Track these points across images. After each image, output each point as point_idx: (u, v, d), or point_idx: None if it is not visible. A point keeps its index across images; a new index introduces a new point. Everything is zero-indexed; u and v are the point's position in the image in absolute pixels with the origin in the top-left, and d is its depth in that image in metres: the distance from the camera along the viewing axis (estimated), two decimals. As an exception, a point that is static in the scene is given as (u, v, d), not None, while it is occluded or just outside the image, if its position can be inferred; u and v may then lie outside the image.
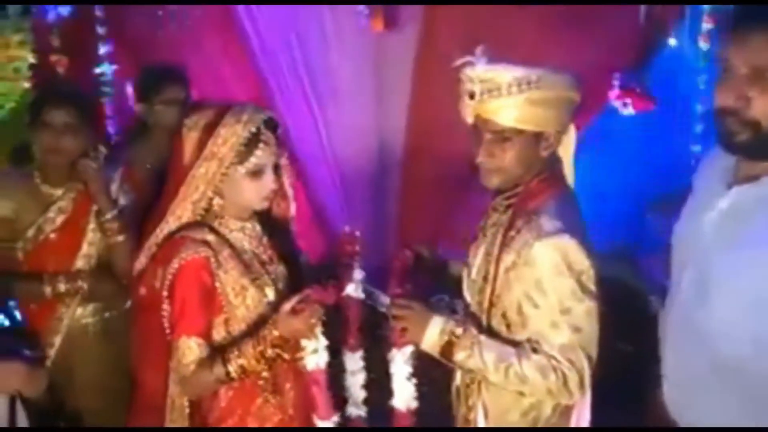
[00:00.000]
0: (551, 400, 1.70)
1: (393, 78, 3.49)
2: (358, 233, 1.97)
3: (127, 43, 3.51)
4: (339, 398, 1.93)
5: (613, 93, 3.13)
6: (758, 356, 1.41)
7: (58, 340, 2.32)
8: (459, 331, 1.68)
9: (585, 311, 1.62)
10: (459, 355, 1.67)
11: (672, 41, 3.17)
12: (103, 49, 3.50)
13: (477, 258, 1.80)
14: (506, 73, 1.61)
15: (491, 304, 1.72)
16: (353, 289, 1.92)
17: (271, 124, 1.80)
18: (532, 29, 3.02)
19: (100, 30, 3.47)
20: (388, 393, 1.82)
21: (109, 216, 2.27)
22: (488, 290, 1.72)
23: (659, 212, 2.66)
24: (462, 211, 3.01)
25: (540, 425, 1.75)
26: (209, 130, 1.75)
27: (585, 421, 1.82)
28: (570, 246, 1.61)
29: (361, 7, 3.36)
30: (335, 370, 1.86)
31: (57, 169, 2.30)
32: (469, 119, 1.70)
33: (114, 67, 3.52)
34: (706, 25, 3.03)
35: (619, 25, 3.11)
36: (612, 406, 1.95)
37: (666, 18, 3.14)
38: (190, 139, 1.77)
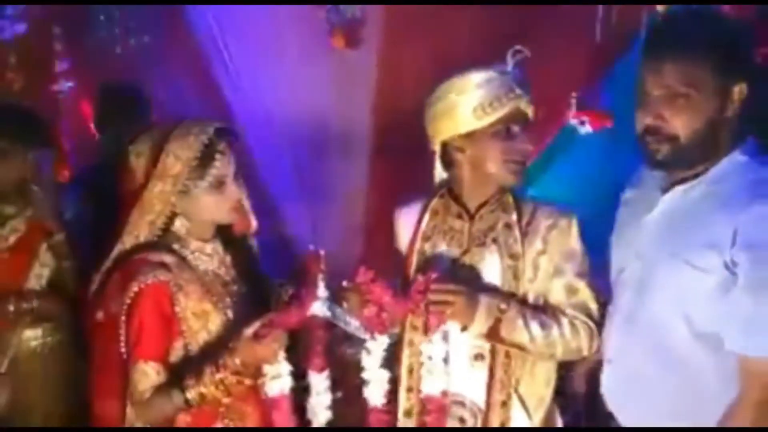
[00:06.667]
0: (578, 356, 1.82)
1: (356, 92, 3.50)
2: (322, 252, 1.95)
3: (84, 61, 3.47)
4: (303, 420, 1.90)
5: (571, 112, 3.18)
6: (696, 347, 1.56)
7: (5, 362, 2.28)
8: (504, 306, 1.75)
9: (588, 271, 1.83)
10: (505, 331, 1.74)
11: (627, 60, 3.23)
12: (59, 67, 3.47)
13: (484, 263, 1.83)
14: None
15: (525, 295, 1.81)
16: (318, 308, 1.87)
17: (223, 134, 1.77)
18: (489, 47, 3.05)
19: (57, 47, 3.43)
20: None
21: (56, 239, 2.24)
22: (521, 284, 1.80)
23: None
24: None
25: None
26: (158, 149, 1.71)
27: None
28: (575, 218, 1.84)
29: (323, 24, 3.36)
30: (299, 391, 1.85)
31: (8, 190, 2.27)
32: (501, 114, 1.76)
33: (70, 84, 3.49)
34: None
35: (575, 44, 3.16)
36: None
37: (622, 36, 3.21)
38: (140, 162, 1.73)
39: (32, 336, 2.33)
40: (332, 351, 2.01)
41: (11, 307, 2.25)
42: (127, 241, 1.76)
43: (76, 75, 3.48)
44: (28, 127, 2.35)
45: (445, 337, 1.79)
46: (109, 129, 2.67)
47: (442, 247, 1.88)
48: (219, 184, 1.74)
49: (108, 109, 2.66)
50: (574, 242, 1.83)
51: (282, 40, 3.54)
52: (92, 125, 2.76)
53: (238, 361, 1.66)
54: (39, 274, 2.31)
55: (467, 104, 1.77)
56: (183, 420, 1.77)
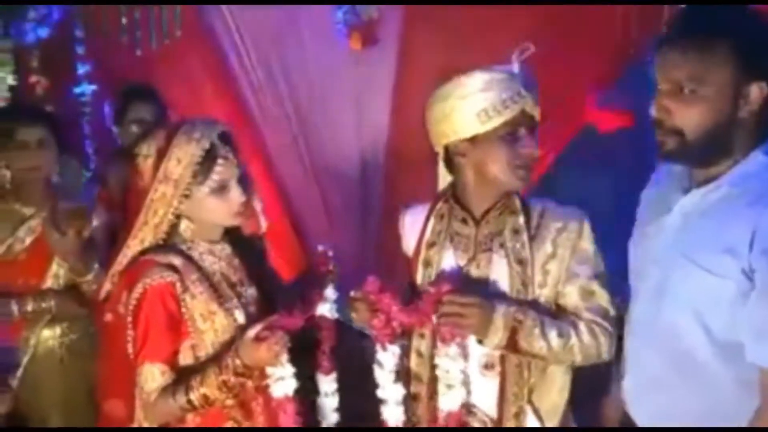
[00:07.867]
0: (597, 360, 1.78)
1: (373, 93, 3.50)
2: (330, 253, 1.94)
3: (105, 64, 3.52)
4: (313, 422, 1.90)
5: (591, 111, 3.15)
6: (715, 355, 1.50)
7: (24, 360, 2.31)
8: (520, 316, 1.70)
9: (604, 272, 1.80)
10: (524, 341, 1.69)
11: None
12: (81, 70, 3.51)
13: (491, 270, 1.78)
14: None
15: (535, 301, 1.77)
16: (327, 310, 1.87)
17: (226, 138, 1.77)
18: (508, 47, 3.03)
19: (79, 50, 3.48)
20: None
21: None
22: (530, 290, 1.76)
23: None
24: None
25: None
26: (162, 152, 1.72)
27: None
28: (587, 219, 1.80)
29: (340, 26, 3.38)
30: (308, 393, 1.84)
31: (31, 187, 2.30)
32: (507, 118, 1.71)
33: (92, 87, 3.53)
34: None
35: (596, 43, 3.13)
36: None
37: (642, 34, 3.16)
38: (146, 165, 1.74)
39: (50, 335, 2.35)
40: (348, 351, 2.00)
41: (29, 307, 2.29)
42: (132, 244, 1.77)
43: (98, 78, 3.52)
44: (59, 123, 2.41)
45: (464, 351, 1.73)
46: (128, 131, 2.69)
47: (449, 253, 1.83)
48: (221, 188, 1.74)
49: (126, 111, 2.69)
50: (586, 244, 1.78)
51: (301, 43, 3.55)
52: (112, 127, 2.79)
53: (240, 362, 1.65)
54: (56, 274, 2.34)
55: (471, 108, 1.70)
56: (192, 420, 1.77)
